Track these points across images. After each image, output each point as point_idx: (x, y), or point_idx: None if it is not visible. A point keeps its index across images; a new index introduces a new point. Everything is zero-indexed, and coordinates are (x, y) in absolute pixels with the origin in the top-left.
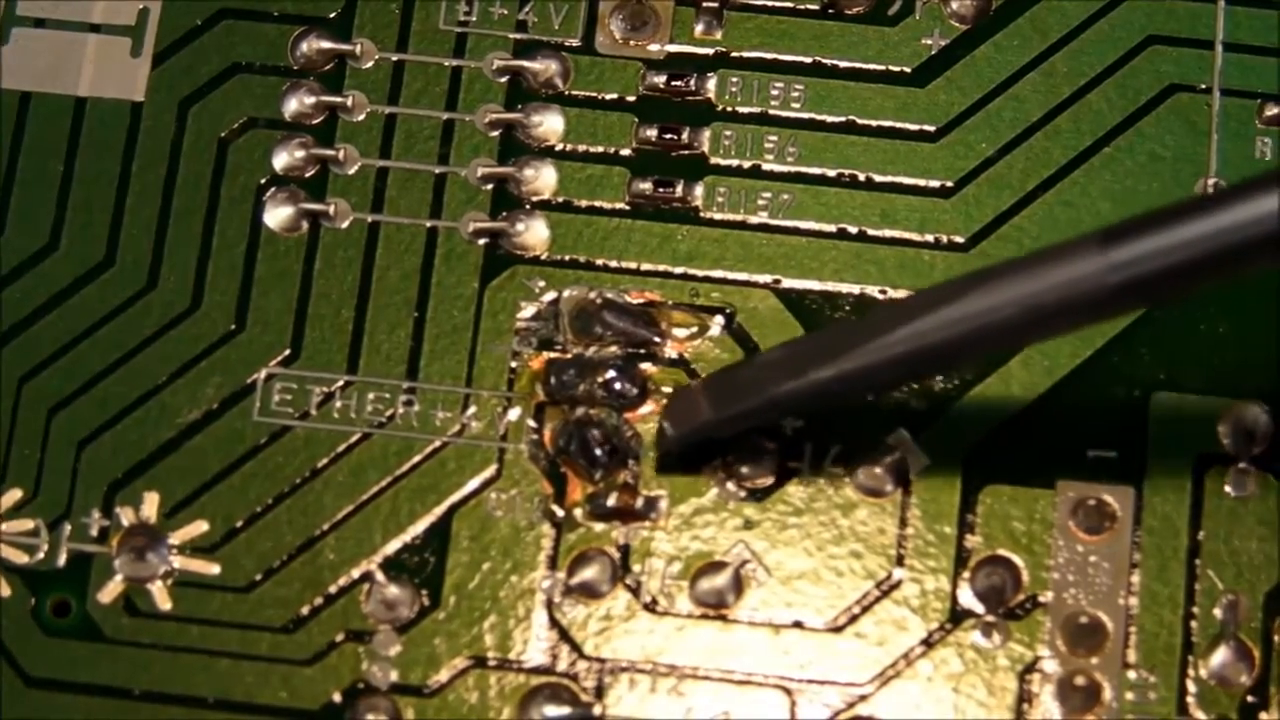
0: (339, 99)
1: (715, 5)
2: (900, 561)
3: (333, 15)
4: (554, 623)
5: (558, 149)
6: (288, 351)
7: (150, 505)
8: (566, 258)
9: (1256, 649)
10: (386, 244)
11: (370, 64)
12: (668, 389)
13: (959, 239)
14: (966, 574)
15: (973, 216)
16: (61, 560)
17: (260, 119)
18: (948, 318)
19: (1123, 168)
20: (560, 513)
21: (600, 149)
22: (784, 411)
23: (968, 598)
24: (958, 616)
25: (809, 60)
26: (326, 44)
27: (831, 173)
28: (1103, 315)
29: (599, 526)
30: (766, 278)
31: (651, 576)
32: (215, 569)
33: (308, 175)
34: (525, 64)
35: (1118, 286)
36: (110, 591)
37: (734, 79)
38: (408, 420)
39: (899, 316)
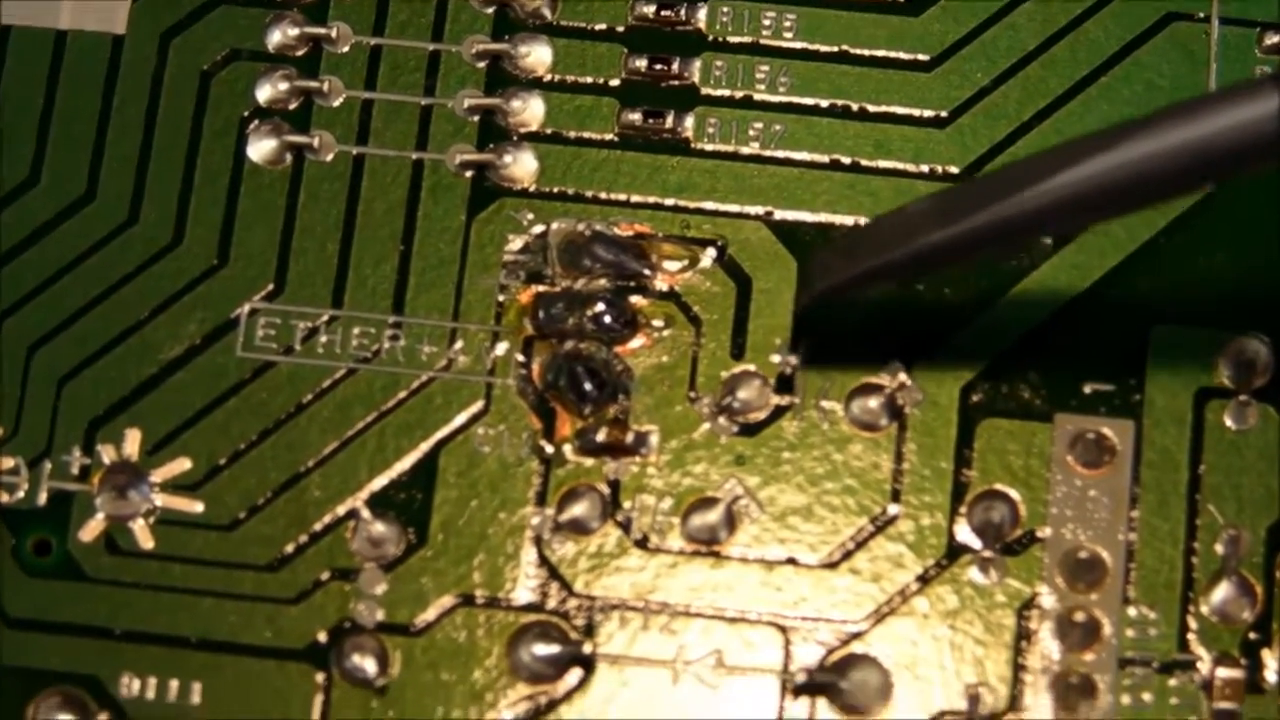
0: (323, 30)
1: None
2: (896, 497)
3: None
4: (543, 560)
5: (546, 80)
6: (271, 286)
7: (132, 442)
8: (555, 190)
9: (1258, 584)
10: (372, 177)
11: None
12: (658, 322)
13: (954, 170)
14: (963, 509)
15: (968, 147)
16: (42, 499)
17: (243, 51)
18: (1111, 162)
19: (1120, 97)
20: (549, 448)
21: (589, 80)
22: (931, 265)
23: (965, 533)
24: (954, 552)
25: None
26: None
27: (824, 103)
28: (1275, 158)
29: (589, 462)
30: (758, 209)
31: (642, 513)
32: (198, 507)
33: (291, 108)
34: None
35: None
36: (91, 530)
37: (725, 8)
38: (393, 355)
39: (1060, 161)
